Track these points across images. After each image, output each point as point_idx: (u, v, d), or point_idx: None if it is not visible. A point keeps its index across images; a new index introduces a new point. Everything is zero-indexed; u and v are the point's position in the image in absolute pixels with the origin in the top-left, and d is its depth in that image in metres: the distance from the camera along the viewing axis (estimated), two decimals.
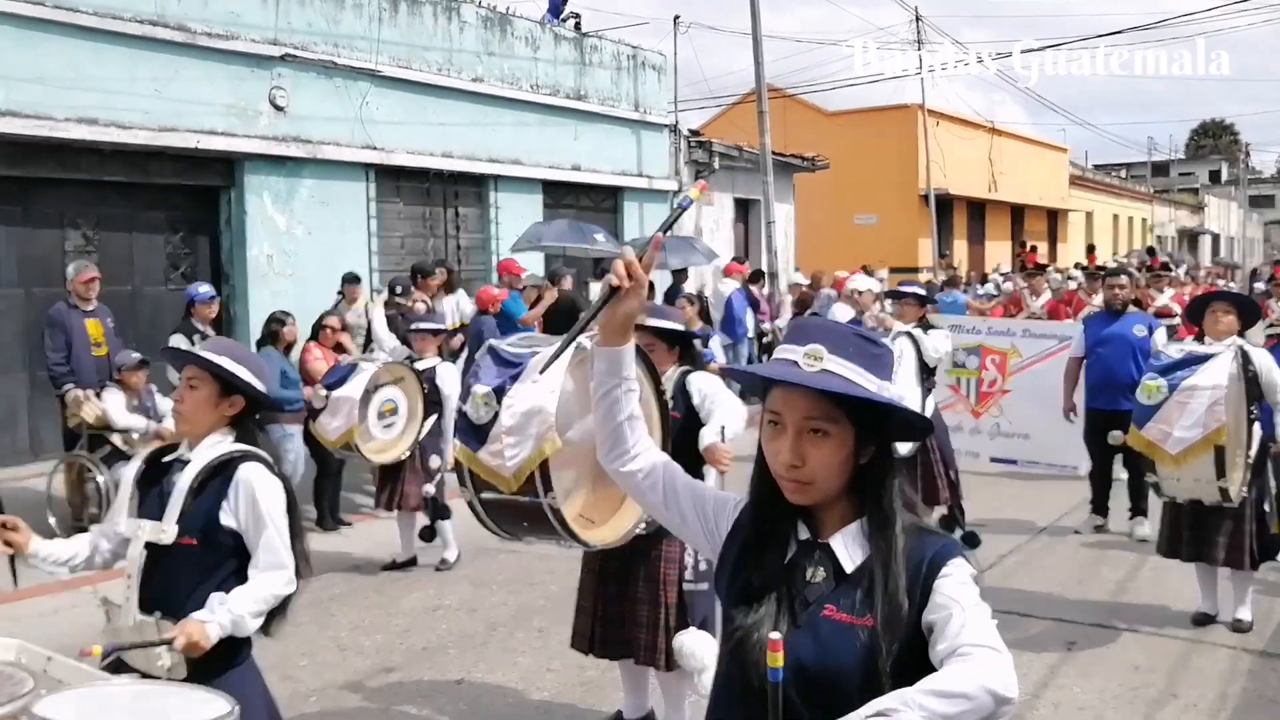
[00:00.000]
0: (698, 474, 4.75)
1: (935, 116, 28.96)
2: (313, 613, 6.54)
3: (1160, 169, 61.22)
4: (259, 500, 3.15)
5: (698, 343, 5.34)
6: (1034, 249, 17.80)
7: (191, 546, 3.10)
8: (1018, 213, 36.02)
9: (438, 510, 7.71)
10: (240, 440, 3.26)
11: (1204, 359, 5.83)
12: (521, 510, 4.20)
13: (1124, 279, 8.62)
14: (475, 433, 4.17)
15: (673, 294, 12.89)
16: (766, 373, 2.03)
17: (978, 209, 33.62)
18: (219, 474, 3.17)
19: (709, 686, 4.44)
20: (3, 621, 5.81)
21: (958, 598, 1.93)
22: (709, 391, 4.82)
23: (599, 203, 16.51)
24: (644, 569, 4.70)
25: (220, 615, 3.04)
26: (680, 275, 14.94)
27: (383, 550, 8.13)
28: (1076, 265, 23.32)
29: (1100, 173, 50.36)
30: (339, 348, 9.25)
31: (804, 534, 2.06)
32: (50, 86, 9.80)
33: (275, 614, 3.28)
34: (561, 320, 11.54)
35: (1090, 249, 27.35)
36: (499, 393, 4.14)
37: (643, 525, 4.52)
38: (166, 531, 3.12)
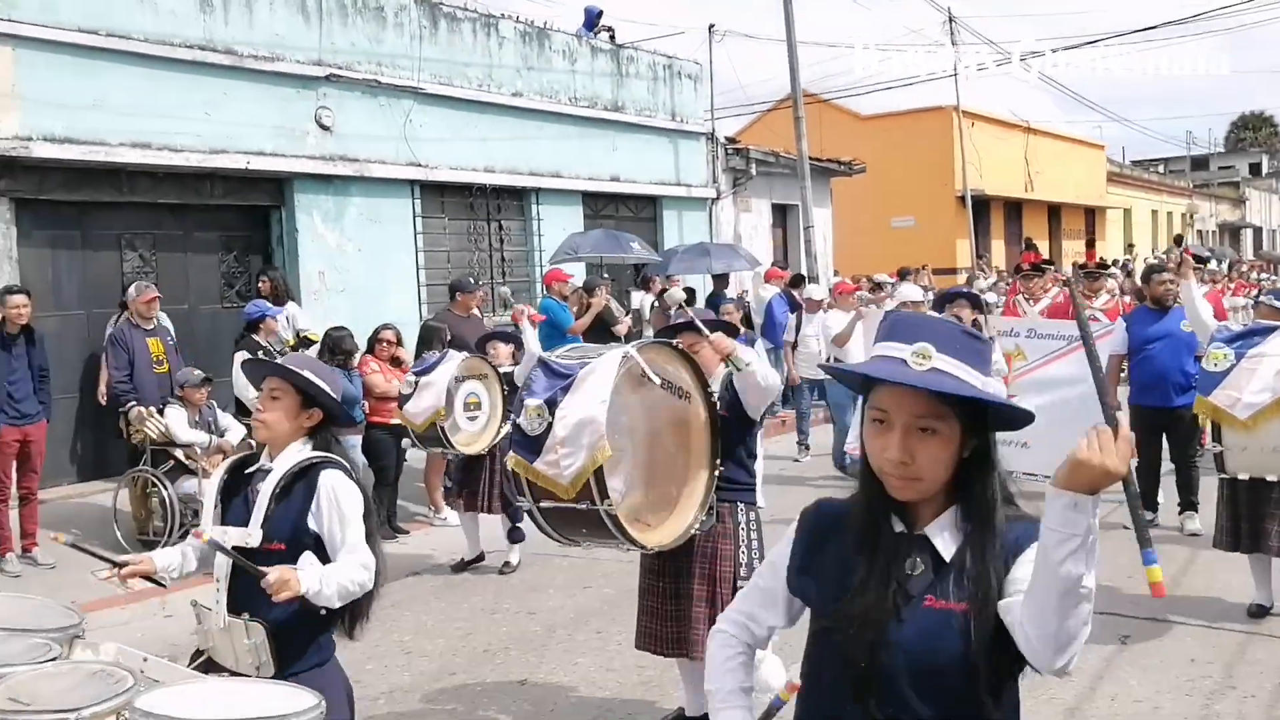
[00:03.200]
0: (739, 462, 4.86)
1: (970, 117, 28.90)
2: (376, 618, 6.67)
3: (1200, 163, 60.54)
4: (341, 503, 3.28)
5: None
6: (1033, 246, 17.15)
7: (277, 551, 3.24)
8: (1055, 211, 35.82)
9: (516, 513, 7.90)
10: (318, 449, 3.41)
11: (1271, 329, 5.86)
12: (580, 517, 4.33)
13: (1167, 275, 8.62)
14: (530, 444, 4.31)
15: (714, 300, 13.00)
16: (877, 373, 2.01)
17: (1015, 209, 33.48)
18: (301, 480, 3.31)
19: (775, 681, 4.58)
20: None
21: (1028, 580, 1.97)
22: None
23: (638, 212, 16.66)
24: (700, 567, 4.81)
25: (310, 572, 3.13)
26: (721, 281, 15.06)
27: (441, 556, 8.31)
28: (1074, 264, 22.79)
29: (1138, 169, 49.93)
30: (395, 360, 9.44)
31: (899, 527, 2.07)
32: (106, 112, 10.07)
33: (358, 616, 3.42)
34: (596, 329, 11.69)
35: (1129, 247, 27.19)
36: (551, 404, 4.27)
37: (697, 526, 4.65)
38: (252, 536, 3.26)
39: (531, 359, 6.51)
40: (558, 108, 14.81)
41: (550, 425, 4.23)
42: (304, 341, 9.84)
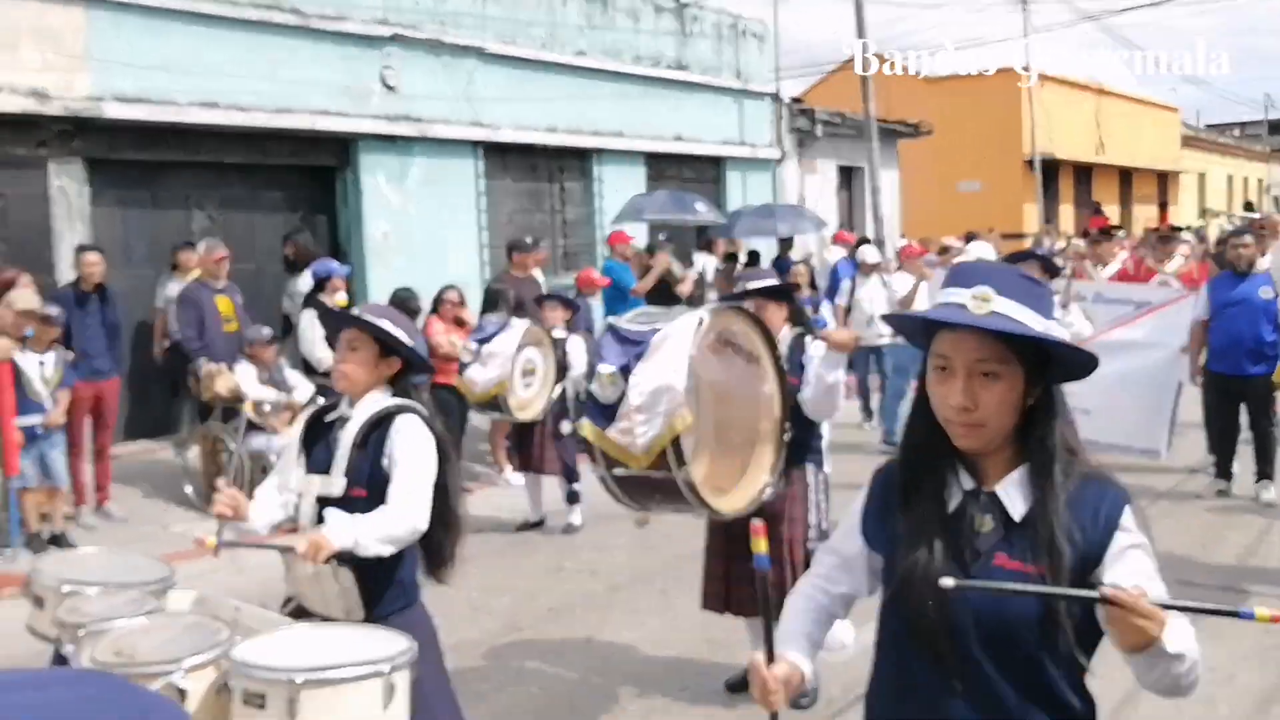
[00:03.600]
0: (807, 426, 4.82)
1: (1040, 79, 28.27)
2: None
3: (1278, 127, 58.77)
4: (406, 446, 3.28)
5: (809, 309, 5.42)
6: (1100, 210, 16.58)
7: (360, 497, 3.26)
8: (1126, 176, 35.01)
9: (572, 474, 7.94)
10: (398, 397, 3.42)
11: None
12: (654, 484, 4.29)
13: (1248, 238, 8.38)
14: (603, 411, 4.26)
15: (780, 263, 12.88)
16: (937, 316, 2.00)
17: (1084, 173, 32.77)
18: (379, 427, 3.32)
19: (847, 640, 4.54)
20: None
21: (1134, 562, 1.96)
22: None
23: (701, 174, 16.52)
24: (769, 529, 4.77)
25: (341, 530, 3.11)
26: (786, 244, 14.91)
27: (504, 515, 8.36)
28: (1146, 229, 22.30)
29: (1213, 132, 48.59)
30: (459, 321, 9.47)
31: (968, 483, 2.05)
32: (174, 73, 10.15)
33: (445, 562, 3.45)
34: (660, 292, 11.65)
35: (1205, 212, 26.52)
36: (625, 372, 4.22)
37: (768, 490, 4.60)
38: (335, 484, 3.29)
39: None
40: (621, 67, 14.70)
41: (624, 393, 4.19)
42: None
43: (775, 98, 17.56)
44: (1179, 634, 1.81)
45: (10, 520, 7.42)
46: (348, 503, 3.26)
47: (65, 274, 9.28)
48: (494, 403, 7.79)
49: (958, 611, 1.96)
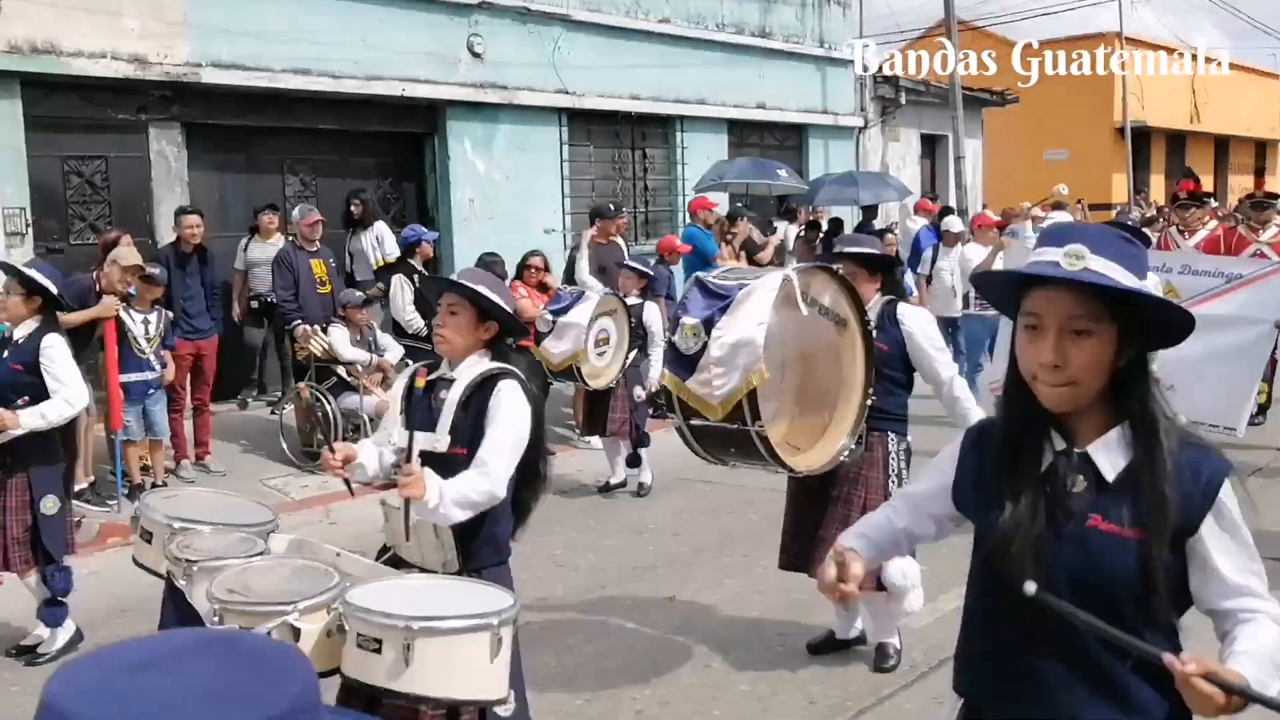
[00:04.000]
0: (891, 393, 4.84)
1: (1132, 44, 27.52)
2: (528, 533, 6.88)
3: None
4: (503, 411, 3.39)
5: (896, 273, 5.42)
6: (1191, 175, 15.96)
7: (461, 455, 3.38)
8: (1222, 145, 33.99)
9: (640, 438, 8.05)
10: (496, 360, 3.53)
11: None
12: (729, 437, 4.37)
13: None
14: (684, 362, 4.33)
15: (862, 230, 12.79)
16: (1030, 270, 1.98)
17: (1178, 141, 31.89)
18: (481, 390, 3.44)
19: (917, 605, 4.58)
20: None
21: (1232, 534, 1.96)
22: (922, 333, 4.90)
23: (783, 141, 16.45)
24: (846, 493, 4.83)
25: (432, 485, 3.20)
26: (870, 212, 14.80)
27: (586, 477, 8.50)
28: (1240, 197, 21.51)
29: None
30: (542, 286, 9.61)
31: (1059, 444, 2.04)
32: (269, 40, 10.38)
33: (523, 520, 3.58)
34: (740, 258, 11.66)
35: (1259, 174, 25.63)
36: (708, 324, 4.28)
37: (846, 452, 4.65)
38: (440, 441, 3.40)
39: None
40: (705, 34, 14.66)
41: (705, 345, 4.24)
42: (387, 267, 10.02)
43: (859, 65, 17.37)
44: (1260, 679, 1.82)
45: (115, 472, 7.73)
46: (449, 460, 3.39)
47: (164, 236, 9.59)
48: (569, 372, 7.91)
49: (1051, 573, 1.95)
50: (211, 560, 3.22)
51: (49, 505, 5.13)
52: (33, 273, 5.23)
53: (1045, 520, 2.00)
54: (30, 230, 9.02)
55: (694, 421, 4.41)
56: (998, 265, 9.40)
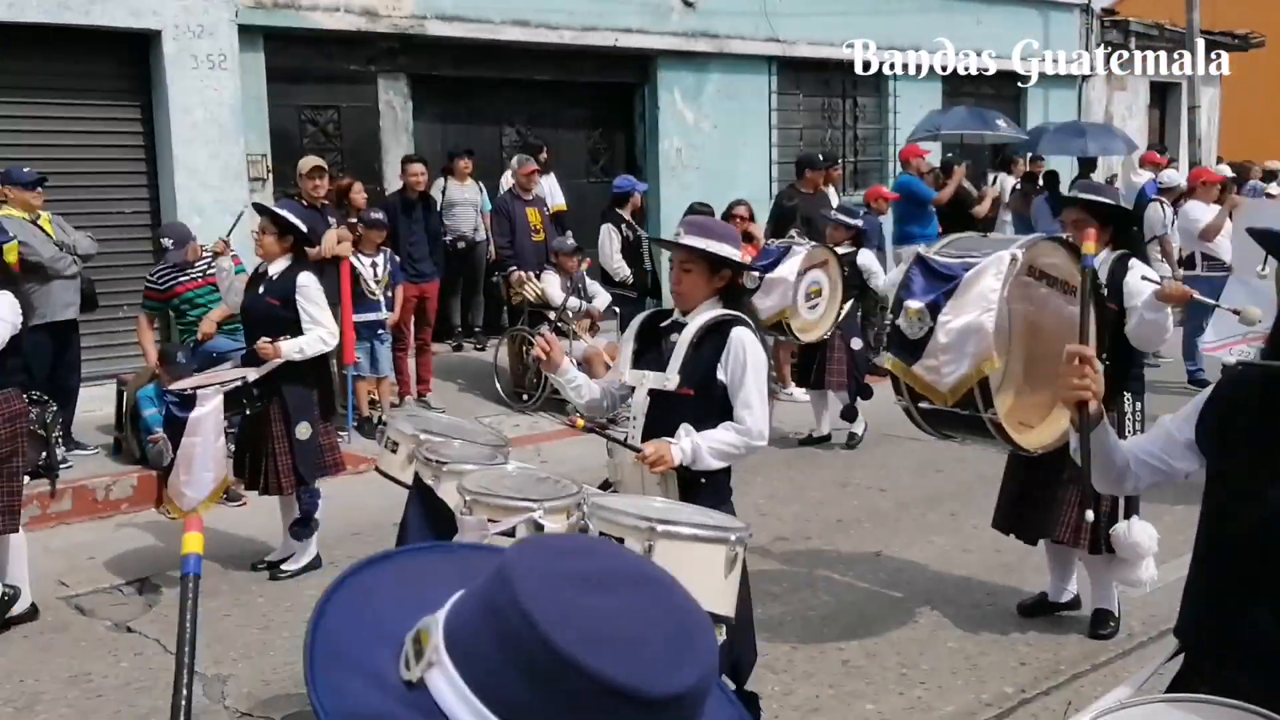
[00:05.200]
0: (1126, 354, 4.63)
1: None
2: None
3: None
4: (747, 359, 3.48)
5: None
6: None
7: (688, 396, 3.48)
8: None
9: (861, 389, 7.98)
10: (728, 306, 3.61)
11: None
12: (960, 420, 4.29)
13: None
14: (909, 347, 4.25)
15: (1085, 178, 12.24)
16: None
17: None
18: (713, 333, 3.53)
19: (1148, 578, 4.42)
20: None
21: None
22: (1132, 284, 4.66)
23: (1000, 89, 15.80)
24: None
25: (683, 442, 3.39)
26: (1089, 164, 14.13)
27: (788, 428, 8.51)
28: None
29: None
30: (747, 236, 9.60)
31: None
32: None
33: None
34: (954, 210, 11.35)
35: None
36: (933, 309, 4.16)
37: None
38: (670, 381, 3.52)
39: None
40: None
41: (931, 330, 4.15)
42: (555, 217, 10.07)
43: (1085, 9, 16.49)
44: None
45: (346, 405, 8.23)
46: (676, 400, 3.49)
47: (391, 183, 10.05)
48: (778, 325, 7.89)
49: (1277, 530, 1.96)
50: (458, 463, 3.44)
51: (303, 431, 5.55)
52: (285, 213, 5.61)
53: None
54: (270, 176, 9.61)
55: (922, 405, 4.34)
56: (1227, 225, 8.84)
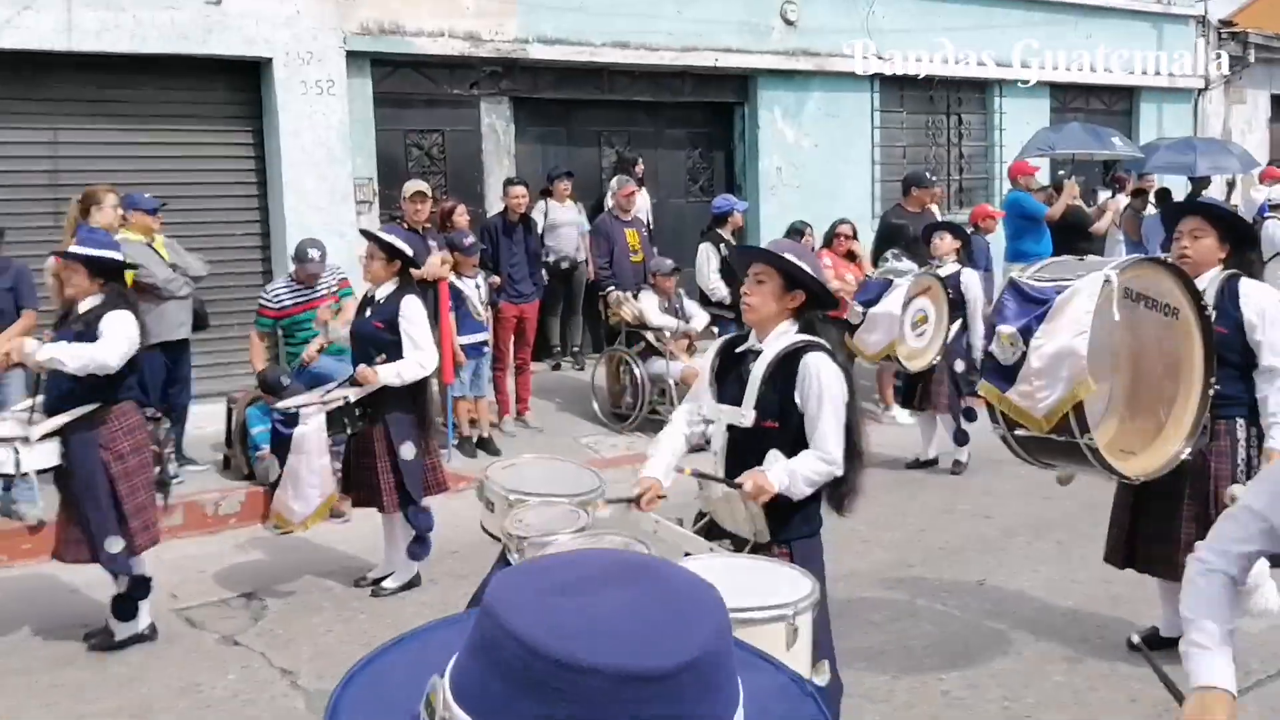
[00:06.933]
0: (1239, 376, 4.44)
1: None
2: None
3: None
4: (823, 386, 3.41)
5: None
6: None
7: (770, 429, 3.44)
8: None
9: (965, 412, 7.84)
10: (803, 331, 3.54)
11: None
12: (1057, 447, 4.18)
13: None
14: (1003, 373, 4.17)
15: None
16: None
17: None
18: (789, 362, 3.46)
19: (1269, 604, 4.23)
20: None
21: None
22: (1271, 311, 4.46)
23: (1111, 105, 15.42)
24: (1192, 485, 4.51)
25: (777, 468, 3.34)
26: (1201, 183, 13.67)
27: (890, 452, 8.37)
28: None
29: None
30: (850, 255, 9.51)
31: None
32: (589, 14, 10.75)
33: (849, 493, 3.57)
34: (1067, 229, 11.06)
35: None
36: (1025, 333, 4.08)
37: (1188, 451, 4.33)
38: (745, 416, 3.47)
39: None
40: None
41: (1024, 355, 4.06)
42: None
43: (1201, 21, 16.00)
44: None
45: (446, 424, 8.34)
46: (759, 433, 3.45)
47: (493, 205, 10.18)
48: (885, 357, 7.79)
49: None
50: (540, 536, 3.43)
51: (408, 451, 5.65)
52: (392, 238, 5.72)
53: None
54: (376, 199, 9.82)
55: (1018, 432, 4.25)
56: None
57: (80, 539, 5.08)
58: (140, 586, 5.22)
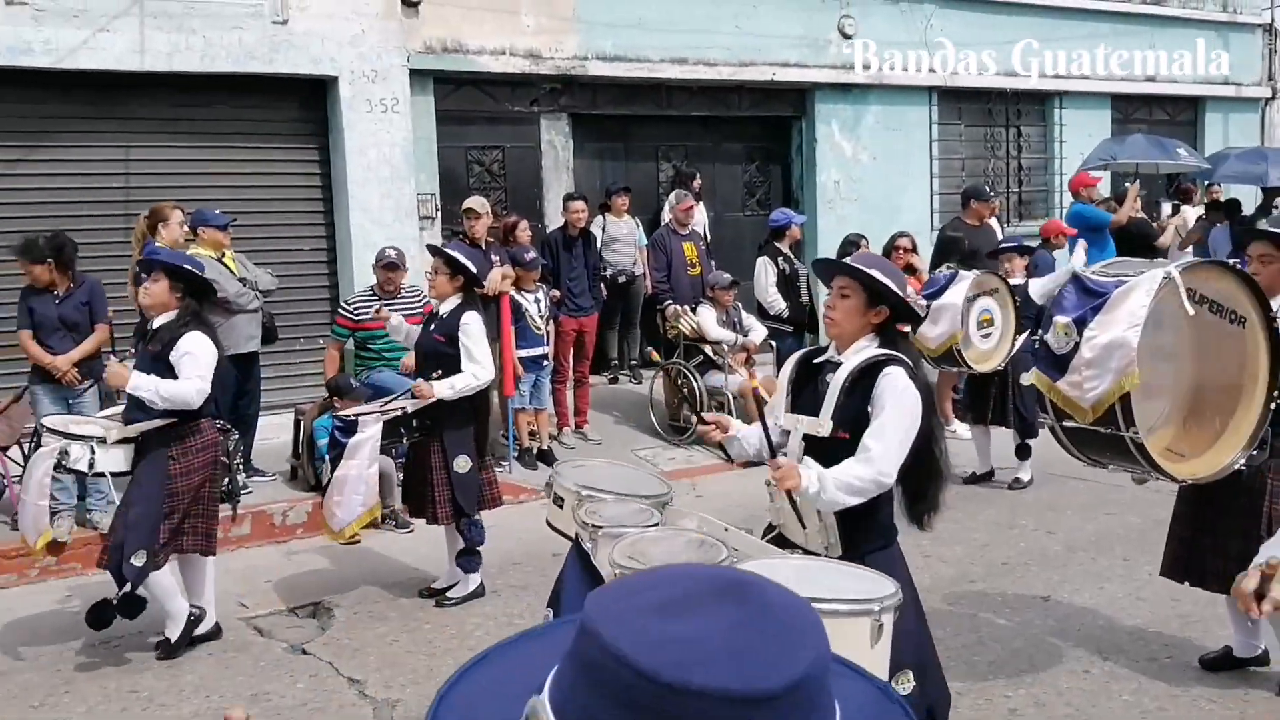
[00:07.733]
0: None
1: None
2: None
3: None
4: (887, 398, 3.38)
5: None
6: None
7: (844, 440, 3.43)
8: None
9: (1026, 427, 7.77)
10: (884, 346, 3.53)
11: None
12: (1103, 440, 4.17)
13: None
14: (1056, 362, 4.19)
15: (1266, 211, 11.65)
16: None
17: None
18: (867, 375, 3.45)
19: None
20: None
21: None
22: None
23: (1175, 115, 15.21)
24: (1246, 500, 4.44)
25: (810, 472, 3.31)
26: (1273, 193, 13.43)
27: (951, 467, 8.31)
28: None
29: None
30: (909, 269, 9.46)
31: None
32: (647, 31, 10.83)
33: (929, 509, 3.58)
34: (1130, 240, 10.93)
35: None
36: (1080, 324, 4.09)
37: (1242, 462, 4.27)
38: (823, 426, 3.47)
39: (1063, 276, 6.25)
40: (1087, 4, 13.79)
41: (1077, 345, 4.08)
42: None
43: (1269, 29, 15.74)
44: None
45: (507, 436, 8.42)
46: (834, 444, 3.44)
47: (553, 220, 10.28)
48: (949, 355, 7.72)
49: None
50: (614, 527, 3.47)
51: (461, 464, 5.73)
52: (456, 254, 5.81)
53: None
54: (439, 214, 9.96)
55: (1066, 424, 4.25)
56: None
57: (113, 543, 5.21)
58: (136, 604, 5.30)
